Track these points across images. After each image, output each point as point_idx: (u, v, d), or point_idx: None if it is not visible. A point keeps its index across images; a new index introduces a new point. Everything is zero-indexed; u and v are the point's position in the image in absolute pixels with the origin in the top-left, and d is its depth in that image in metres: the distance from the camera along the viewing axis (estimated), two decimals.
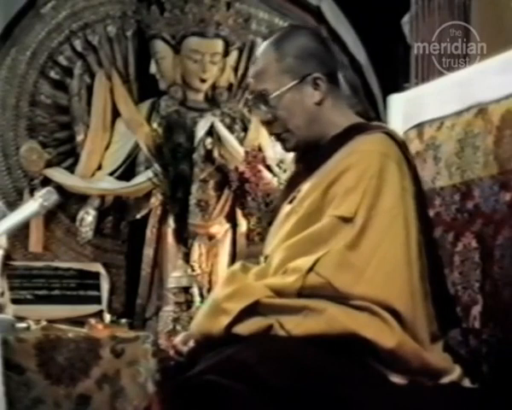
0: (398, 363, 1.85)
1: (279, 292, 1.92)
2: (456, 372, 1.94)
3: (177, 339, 2.04)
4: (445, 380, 1.92)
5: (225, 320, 1.89)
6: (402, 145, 2.06)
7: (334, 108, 2.10)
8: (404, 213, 1.95)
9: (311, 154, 2.12)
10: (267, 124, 2.14)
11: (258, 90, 2.09)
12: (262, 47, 2.13)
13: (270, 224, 2.18)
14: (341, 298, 1.87)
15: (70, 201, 4.21)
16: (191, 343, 2.00)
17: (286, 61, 2.07)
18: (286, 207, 2.09)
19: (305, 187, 2.05)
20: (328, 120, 2.09)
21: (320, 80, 2.08)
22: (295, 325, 1.86)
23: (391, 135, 2.06)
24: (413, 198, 1.99)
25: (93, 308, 3.92)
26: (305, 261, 1.90)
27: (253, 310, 1.89)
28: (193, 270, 3.87)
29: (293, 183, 2.15)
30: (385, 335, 1.84)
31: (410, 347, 1.87)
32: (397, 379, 1.86)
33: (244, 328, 1.89)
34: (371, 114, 2.22)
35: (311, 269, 1.88)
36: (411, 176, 2.02)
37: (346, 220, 1.91)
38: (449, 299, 2.12)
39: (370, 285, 1.86)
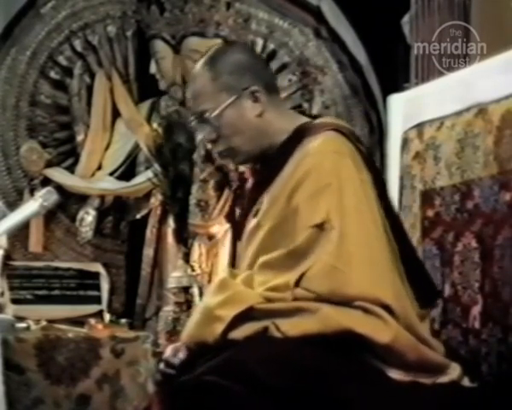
0: (395, 357, 1.86)
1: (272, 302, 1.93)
2: (455, 371, 1.94)
3: (168, 353, 2.03)
4: (444, 378, 1.92)
5: (220, 327, 1.89)
6: (351, 136, 2.07)
7: (277, 116, 2.11)
8: (369, 206, 1.97)
9: (264, 164, 2.13)
10: (212, 143, 2.14)
11: (198, 111, 2.11)
12: (196, 68, 2.14)
13: (237, 238, 2.18)
14: (334, 302, 1.87)
15: (70, 201, 4.21)
16: (181, 354, 1.99)
17: (221, 79, 2.08)
18: (251, 222, 2.09)
19: (267, 199, 2.06)
20: (274, 128, 2.10)
21: (258, 93, 2.09)
22: (291, 327, 1.86)
23: (338, 130, 2.06)
24: (372, 187, 2.01)
25: (93, 308, 3.92)
26: (290, 278, 1.90)
27: (247, 316, 1.90)
28: (193, 270, 3.86)
29: (254, 196, 2.15)
30: (380, 330, 1.85)
31: (406, 340, 1.87)
32: (394, 374, 1.86)
33: (240, 333, 1.89)
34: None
35: (297, 285, 1.89)
36: (366, 164, 2.04)
37: (321, 227, 1.91)
38: (424, 275, 2.12)
39: (359, 286, 1.87)
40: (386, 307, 1.87)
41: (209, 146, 2.19)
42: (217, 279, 2.12)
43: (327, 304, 1.87)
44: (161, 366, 2.03)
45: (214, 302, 1.95)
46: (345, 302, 1.87)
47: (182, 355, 1.98)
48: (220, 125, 2.08)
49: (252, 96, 2.08)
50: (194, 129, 2.16)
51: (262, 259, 1.97)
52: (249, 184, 2.26)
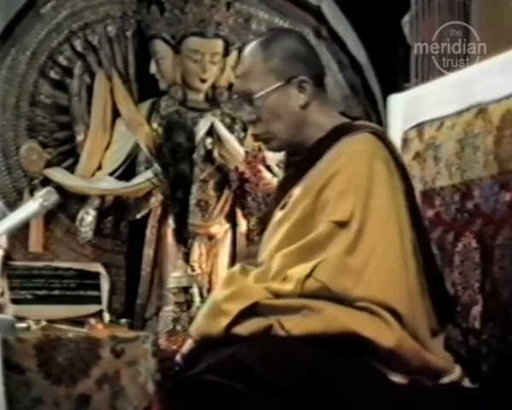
0: (398, 362, 1.86)
1: (278, 297, 1.92)
2: (456, 372, 1.94)
3: (185, 348, 2.05)
4: (445, 380, 1.92)
5: (225, 321, 1.90)
6: (388, 143, 2.07)
7: (319, 111, 2.10)
8: (396, 212, 1.96)
9: (299, 157, 2.13)
10: (251, 124, 2.14)
11: (243, 90, 2.10)
12: (249, 47, 2.13)
13: (262, 230, 2.18)
14: (340, 301, 1.87)
15: (70, 201, 4.20)
16: (185, 349, 2.01)
17: (272, 61, 2.07)
18: (278, 213, 2.09)
19: (296, 192, 2.05)
20: (314, 122, 2.09)
21: (306, 83, 2.08)
22: (295, 325, 1.86)
23: (377, 134, 2.06)
24: (403, 195, 2.00)
25: (93, 308, 3.92)
26: (303, 268, 1.90)
27: (252, 311, 1.90)
28: (193, 270, 3.86)
29: (284, 188, 2.15)
30: (384, 334, 1.84)
31: (410, 346, 1.87)
32: (396, 378, 1.86)
33: (244, 329, 1.89)
34: (356, 114, 2.22)
35: (309, 275, 1.89)
36: (400, 173, 2.03)
37: (342, 225, 1.92)
38: (445, 292, 2.12)
39: (369, 288, 1.87)
40: (393, 312, 1.86)
41: (248, 126, 2.17)
42: (226, 273, 2.12)
43: (332, 304, 1.87)
44: (178, 358, 2.05)
45: (221, 296, 1.96)
46: (351, 301, 1.87)
47: (186, 349, 2.00)
48: (262, 107, 2.07)
49: (299, 86, 2.07)
50: (235, 108, 2.16)
51: (282, 250, 1.97)
52: (280, 176, 2.25)
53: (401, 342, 1.85)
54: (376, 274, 1.88)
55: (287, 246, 1.98)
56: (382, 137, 2.06)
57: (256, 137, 2.18)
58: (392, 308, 1.86)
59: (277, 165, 4.23)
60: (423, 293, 1.97)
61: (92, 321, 3.45)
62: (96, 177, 4.24)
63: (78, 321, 3.55)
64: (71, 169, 4.23)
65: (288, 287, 1.90)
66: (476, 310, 2.24)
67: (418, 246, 1.99)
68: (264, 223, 2.18)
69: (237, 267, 2.09)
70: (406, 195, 2.02)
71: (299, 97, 2.07)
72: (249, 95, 2.08)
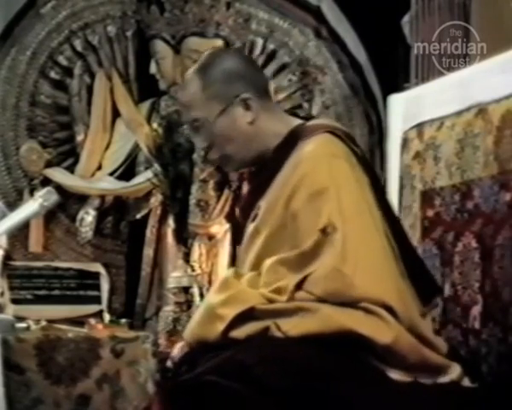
0: (396, 358, 1.86)
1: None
2: (455, 371, 1.94)
3: (175, 351, 2.05)
4: (445, 378, 1.92)
5: (221, 326, 1.89)
6: (345, 138, 2.06)
7: (269, 120, 2.10)
8: (367, 207, 1.96)
9: (260, 169, 2.13)
10: (206, 150, 2.14)
11: (190, 119, 2.11)
12: (188, 76, 2.13)
13: (237, 241, 2.18)
14: (336, 304, 1.88)
15: (70, 201, 4.21)
16: (181, 353, 2.01)
17: (212, 87, 2.07)
18: (250, 226, 2.09)
19: (264, 204, 2.05)
20: (267, 133, 2.09)
21: (250, 100, 2.07)
22: (292, 326, 1.86)
23: (332, 132, 2.06)
24: (369, 188, 2.00)
25: (93, 308, 3.92)
26: (295, 280, 1.90)
27: (248, 315, 1.90)
28: (193, 270, 3.87)
29: (252, 200, 2.14)
30: (381, 331, 1.84)
31: (407, 341, 1.87)
32: (395, 375, 1.86)
33: (240, 332, 1.89)
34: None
35: (301, 288, 1.89)
36: (362, 166, 2.03)
37: (323, 231, 1.91)
38: (425, 272, 2.12)
39: (362, 288, 1.87)
40: (389, 309, 1.86)
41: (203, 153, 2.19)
42: (220, 278, 2.12)
43: (328, 304, 1.87)
44: (168, 363, 2.05)
45: (216, 301, 1.95)
46: (348, 304, 1.87)
47: (182, 353, 2.00)
48: (212, 133, 2.08)
49: (243, 104, 2.07)
50: (190, 136, 2.16)
51: (268, 261, 1.97)
52: (245, 188, 2.24)
53: (398, 338, 1.85)
54: (366, 274, 1.88)
55: (264, 259, 1.97)
56: (338, 134, 2.06)
57: (214, 162, 2.19)
58: (386, 304, 1.86)
59: None
60: (403, 277, 1.97)
61: (92, 321, 3.46)
62: (95, 177, 4.24)
63: (78, 321, 3.56)
64: (71, 169, 4.24)
65: (282, 299, 1.91)
66: (476, 310, 2.24)
67: (391, 234, 1.99)
68: (237, 235, 2.18)
69: (230, 271, 2.08)
70: (372, 186, 2.02)
71: (246, 115, 2.07)
72: (197, 123, 2.09)
